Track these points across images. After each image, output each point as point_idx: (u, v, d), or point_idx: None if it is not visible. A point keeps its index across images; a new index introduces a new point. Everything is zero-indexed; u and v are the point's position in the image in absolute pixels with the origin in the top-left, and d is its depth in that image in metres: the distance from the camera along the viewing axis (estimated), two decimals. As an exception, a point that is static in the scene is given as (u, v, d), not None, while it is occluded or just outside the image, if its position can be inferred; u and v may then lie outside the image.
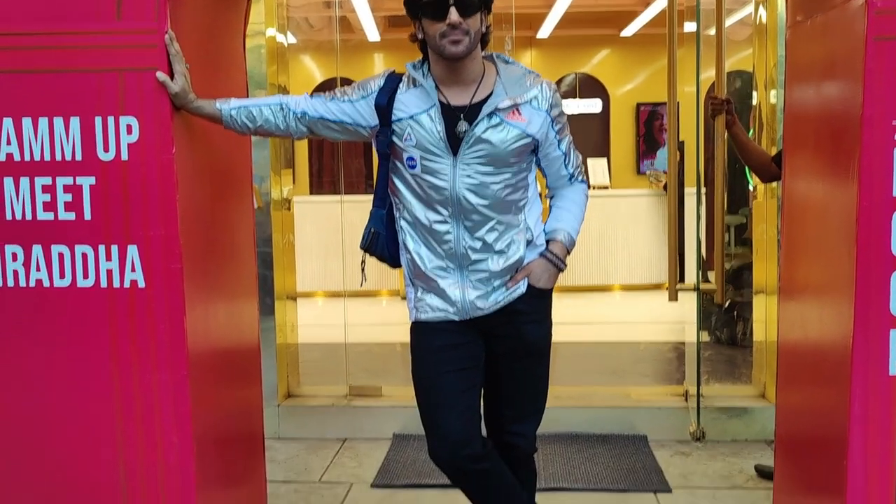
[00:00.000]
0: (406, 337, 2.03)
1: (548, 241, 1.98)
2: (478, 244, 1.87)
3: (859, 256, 1.88)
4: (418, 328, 1.98)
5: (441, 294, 1.92)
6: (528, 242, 1.92)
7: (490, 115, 1.84)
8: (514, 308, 1.93)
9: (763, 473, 3.14)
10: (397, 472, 3.29)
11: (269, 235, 3.75)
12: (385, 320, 6.44)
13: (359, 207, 2.11)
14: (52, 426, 2.15)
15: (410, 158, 1.88)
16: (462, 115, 1.85)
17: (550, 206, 2.05)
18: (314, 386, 4.03)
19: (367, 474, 3.29)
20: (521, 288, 1.93)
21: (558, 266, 1.96)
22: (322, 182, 9.01)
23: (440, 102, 1.87)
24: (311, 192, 8.78)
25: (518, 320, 1.94)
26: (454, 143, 1.85)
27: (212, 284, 2.30)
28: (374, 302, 7.22)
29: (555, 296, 2.09)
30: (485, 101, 1.86)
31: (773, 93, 3.63)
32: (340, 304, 4.51)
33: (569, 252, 2.00)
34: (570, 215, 2.01)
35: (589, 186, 2.08)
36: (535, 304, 1.96)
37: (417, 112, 1.87)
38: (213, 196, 2.31)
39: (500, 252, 1.88)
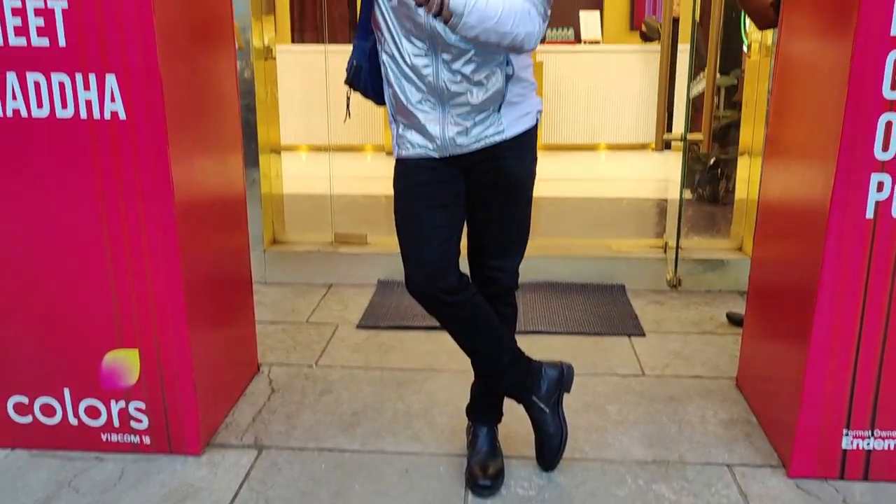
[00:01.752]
0: (391, 190, 2.02)
1: None
2: (456, 77, 1.83)
3: (850, 95, 1.88)
4: (400, 165, 1.98)
5: (421, 130, 1.90)
6: (508, 77, 1.88)
7: None
8: (495, 146, 1.92)
9: (734, 320, 3.26)
10: (382, 314, 3.38)
11: (252, 87, 3.67)
12: (370, 174, 6.43)
13: (344, 58, 2.04)
14: (43, 260, 2.17)
15: None
16: None
17: None
18: (300, 233, 4.06)
19: (352, 316, 3.38)
20: (504, 130, 1.91)
21: None
22: (304, 30, 8.69)
23: None
24: (293, 41, 8.48)
25: (498, 156, 1.93)
26: None
27: (196, 132, 2.27)
28: (358, 156, 7.18)
29: (539, 154, 2.06)
30: None
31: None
32: (324, 157, 4.47)
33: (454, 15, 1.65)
34: None
35: (546, 21, 1.77)
36: (517, 144, 1.95)
37: None
38: (194, 37, 2.24)
39: (479, 84, 1.84)
